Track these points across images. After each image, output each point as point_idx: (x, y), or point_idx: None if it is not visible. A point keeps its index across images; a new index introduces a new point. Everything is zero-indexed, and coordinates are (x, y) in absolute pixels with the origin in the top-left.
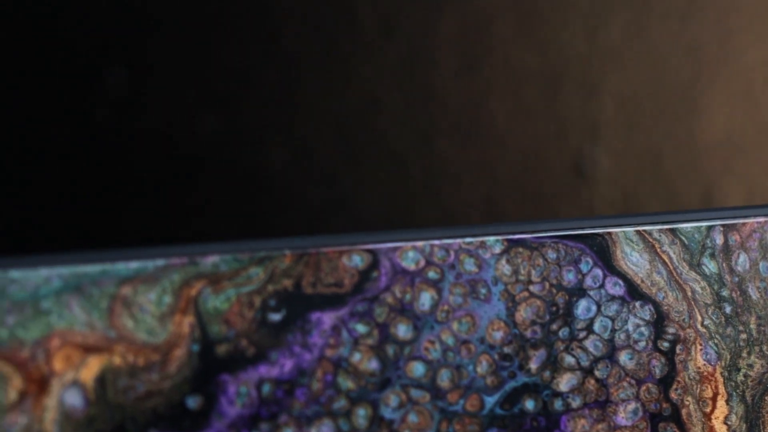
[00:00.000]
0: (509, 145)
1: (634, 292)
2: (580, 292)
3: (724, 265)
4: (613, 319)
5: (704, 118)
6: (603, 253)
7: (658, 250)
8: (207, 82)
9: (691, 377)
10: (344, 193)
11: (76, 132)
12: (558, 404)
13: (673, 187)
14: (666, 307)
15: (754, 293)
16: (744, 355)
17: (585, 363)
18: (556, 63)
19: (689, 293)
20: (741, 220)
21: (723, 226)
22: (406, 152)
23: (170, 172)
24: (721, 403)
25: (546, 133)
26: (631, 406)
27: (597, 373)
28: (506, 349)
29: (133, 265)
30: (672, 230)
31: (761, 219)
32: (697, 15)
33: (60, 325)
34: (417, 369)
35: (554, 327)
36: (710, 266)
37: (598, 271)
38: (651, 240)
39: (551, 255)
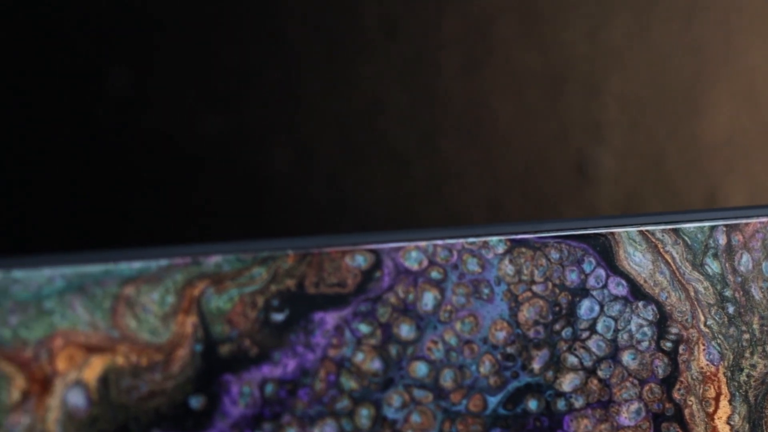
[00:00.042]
0: (512, 145)
1: (637, 292)
2: (583, 292)
3: (727, 265)
4: (616, 319)
5: (707, 119)
6: (606, 253)
7: (661, 250)
8: (210, 82)
9: (694, 377)
10: (347, 193)
11: (78, 132)
12: (561, 404)
13: (676, 188)
14: (669, 307)
15: (756, 293)
16: (747, 355)
17: (588, 363)
18: (559, 63)
19: (692, 293)
20: (744, 221)
21: (726, 226)
22: (409, 152)
23: (173, 172)
24: (724, 403)
25: (549, 133)
26: (634, 406)
27: (600, 373)
28: (509, 349)
29: (136, 265)
30: (675, 230)
31: (764, 219)
32: (699, 15)
33: (63, 325)
34: (420, 369)
35: (557, 327)
36: (713, 266)
37: (601, 271)
38: (654, 240)
39: (554, 255)
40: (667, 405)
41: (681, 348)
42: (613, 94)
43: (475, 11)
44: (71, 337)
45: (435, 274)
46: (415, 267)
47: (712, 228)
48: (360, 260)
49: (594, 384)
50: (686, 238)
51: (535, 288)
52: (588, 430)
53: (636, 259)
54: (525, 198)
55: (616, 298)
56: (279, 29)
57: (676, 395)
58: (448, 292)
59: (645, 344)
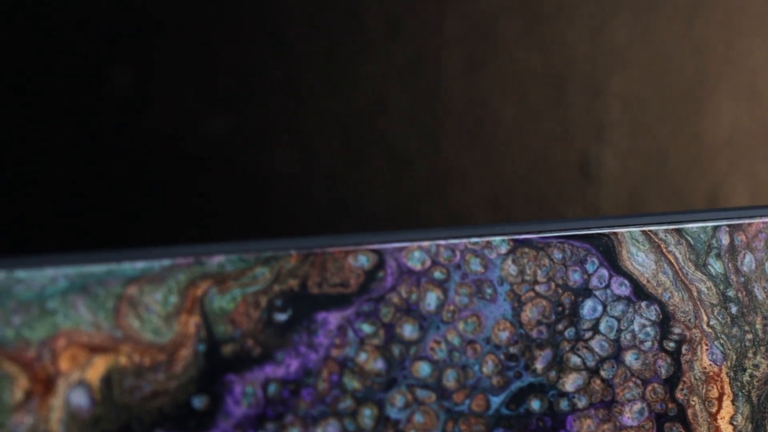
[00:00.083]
0: (514, 145)
1: (639, 293)
2: (585, 292)
3: (729, 265)
4: (618, 320)
5: (710, 119)
6: (609, 253)
7: (664, 250)
8: (212, 82)
9: (697, 377)
10: (350, 192)
11: (80, 132)
12: (564, 404)
13: (679, 188)
14: (672, 308)
15: (760, 293)
16: (750, 355)
17: (591, 363)
18: (561, 63)
19: (695, 293)
20: (747, 221)
21: (729, 226)
22: (411, 152)
23: (176, 172)
24: (726, 403)
25: (551, 133)
26: (637, 406)
27: (603, 373)
28: (512, 349)
29: (139, 265)
30: (678, 230)
31: (767, 219)
32: (702, 15)
33: (66, 325)
34: (423, 369)
35: (560, 327)
36: (716, 266)
37: (604, 272)
38: (657, 240)
39: (557, 255)
40: (670, 405)
41: (684, 348)
42: (616, 94)
43: (477, 11)
44: (74, 337)
45: (438, 274)
46: (418, 267)
47: (715, 228)
48: (363, 260)
49: (597, 384)
50: (689, 238)
51: (538, 288)
52: (591, 430)
53: (639, 259)
54: (528, 198)
55: (619, 298)
56: (280, 29)
57: (679, 395)
58: (451, 292)
59: (648, 344)
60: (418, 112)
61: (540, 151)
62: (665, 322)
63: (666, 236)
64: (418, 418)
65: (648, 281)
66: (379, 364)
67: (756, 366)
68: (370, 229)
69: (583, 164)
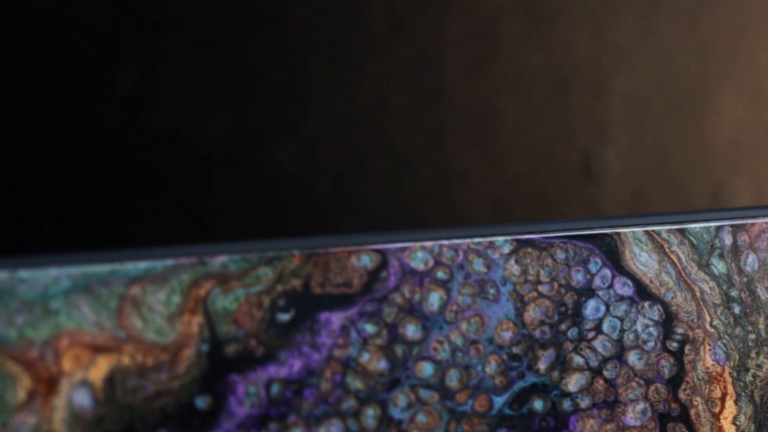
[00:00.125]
0: (517, 145)
1: (642, 293)
2: (588, 292)
3: (732, 265)
4: (621, 320)
5: (713, 119)
6: (612, 253)
7: (667, 250)
8: (216, 82)
9: (700, 377)
10: (353, 192)
11: (83, 131)
12: (567, 404)
13: (682, 187)
14: (675, 308)
15: (762, 293)
16: (753, 355)
17: (594, 363)
18: (565, 63)
19: (698, 293)
20: (750, 221)
21: (732, 226)
22: (414, 152)
23: (179, 172)
24: (729, 403)
25: (554, 133)
26: (640, 406)
27: (606, 373)
28: (515, 350)
29: (142, 265)
30: (681, 230)
31: None
32: (706, 15)
33: (69, 325)
34: (426, 369)
35: (563, 327)
36: (719, 266)
37: (607, 272)
38: (660, 240)
39: (560, 255)
40: (673, 405)
41: (687, 348)
42: (619, 94)
43: (479, 11)
44: (77, 337)
45: (441, 274)
46: (420, 267)
47: (718, 228)
48: (366, 260)
49: (600, 384)
50: (692, 239)
51: (540, 288)
52: (594, 430)
53: (642, 260)
54: (530, 198)
55: (621, 298)
56: (283, 29)
57: (681, 395)
58: (454, 293)
59: (651, 344)
60: (420, 112)
61: (543, 151)
62: (668, 322)
63: (669, 236)
64: (421, 418)
65: (651, 281)
66: (382, 364)
67: (759, 366)
68: (373, 229)
69: (585, 164)
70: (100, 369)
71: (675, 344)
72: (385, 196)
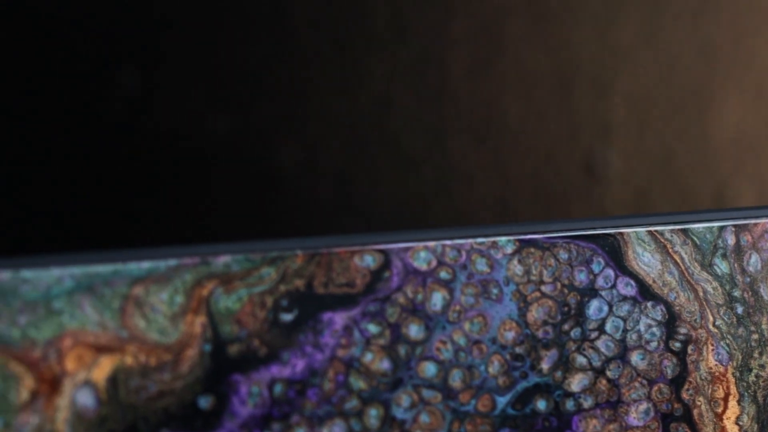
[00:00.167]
0: (521, 145)
1: (645, 293)
2: (591, 292)
3: (735, 265)
4: (624, 320)
5: (716, 118)
6: (615, 253)
7: (670, 250)
8: (218, 82)
9: (703, 377)
10: (356, 193)
11: (86, 131)
12: (570, 404)
13: (685, 187)
14: (678, 308)
15: (765, 293)
16: (755, 355)
17: (597, 363)
18: (568, 63)
19: (701, 293)
20: (753, 221)
21: (735, 226)
22: (418, 152)
23: (182, 171)
24: (732, 403)
25: (557, 133)
26: (643, 406)
27: (609, 373)
28: (518, 350)
29: (145, 265)
30: (684, 230)
31: None
32: (709, 16)
33: (72, 325)
34: (429, 369)
35: (566, 327)
36: (722, 266)
37: (610, 272)
38: (663, 240)
39: (563, 255)
40: (676, 405)
41: (690, 348)
42: (622, 94)
43: (483, 11)
44: (80, 337)
45: (444, 274)
46: (423, 267)
47: (721, 228)
48: (369, 260)
49: (603, 384)
50: (695, 239)
51: (543, 288)
52: (597, 430)
53: (645, 260)
54: (534, 198)
55: (624, 298)
56: (287, 28)
57: (684, 395)
58: (457, 293)
59: (654, 344)
60: (423, 111)
61: (546, 151)
62: (671, 322)
63: (672, 236)
64: (424, 418)
65: (654, 281)
66: (385, 364)
67: (762, 366)
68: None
69: (589, 164)
70: (103, 369)
71: (678, 344)
72: (388, 196)
